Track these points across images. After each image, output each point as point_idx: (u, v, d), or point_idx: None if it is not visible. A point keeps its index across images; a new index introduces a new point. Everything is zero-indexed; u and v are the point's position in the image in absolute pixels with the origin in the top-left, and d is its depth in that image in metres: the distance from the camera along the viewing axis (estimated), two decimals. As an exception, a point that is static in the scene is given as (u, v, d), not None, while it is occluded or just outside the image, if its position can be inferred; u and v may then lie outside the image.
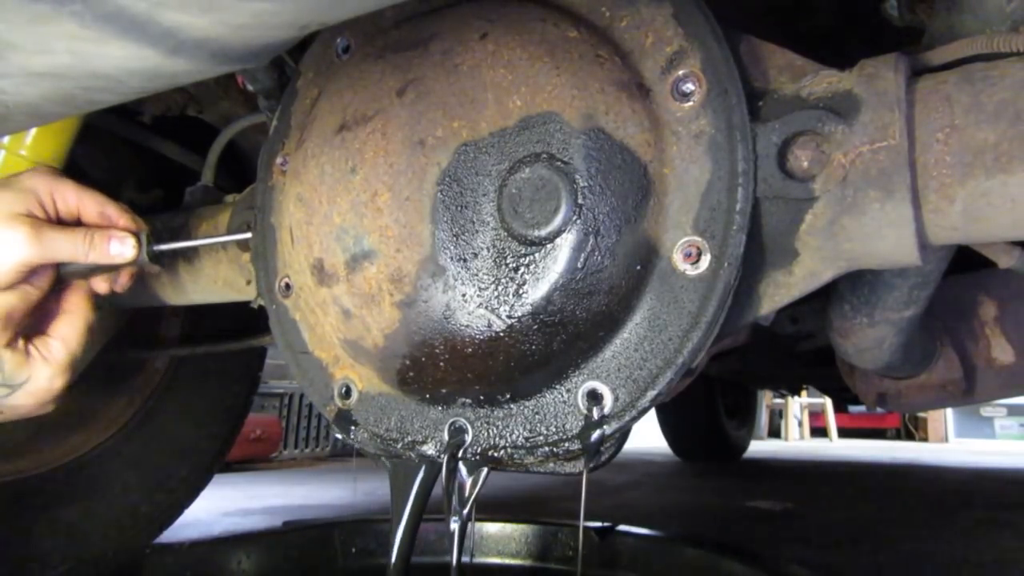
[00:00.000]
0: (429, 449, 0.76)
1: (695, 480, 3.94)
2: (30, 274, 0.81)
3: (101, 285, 0.92)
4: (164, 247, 0.93)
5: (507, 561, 1.30)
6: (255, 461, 4.55)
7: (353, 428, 0.82)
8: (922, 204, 0.61)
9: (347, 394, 0.83)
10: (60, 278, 0.87)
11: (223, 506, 2.63)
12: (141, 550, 1.11)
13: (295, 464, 4.89)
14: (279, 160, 0.90)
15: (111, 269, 0.90)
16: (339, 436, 0.84)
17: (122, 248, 0.87)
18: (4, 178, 0.85)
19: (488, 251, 0.68)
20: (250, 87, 0.99)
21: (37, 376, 0.84)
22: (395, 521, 0.78)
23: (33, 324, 0.86)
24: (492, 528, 1.31)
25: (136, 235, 0.88)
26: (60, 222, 0.85)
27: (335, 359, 0.84)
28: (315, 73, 0.90)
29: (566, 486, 3.04)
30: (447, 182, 0.71)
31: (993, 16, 0.68)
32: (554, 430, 0.70)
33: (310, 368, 0.86)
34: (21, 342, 0.84)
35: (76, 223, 0.87)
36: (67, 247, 0.82)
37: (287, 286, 0.87)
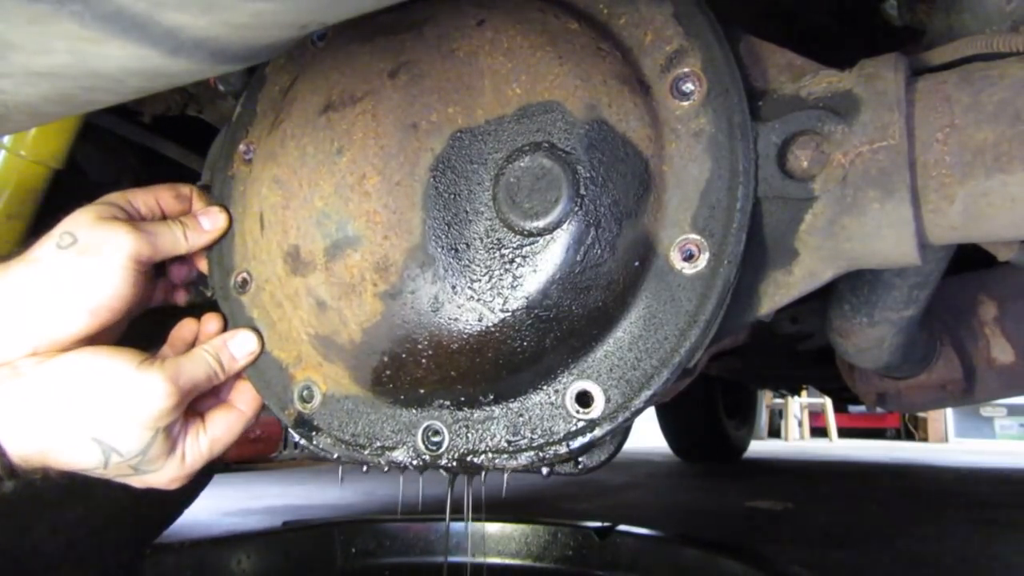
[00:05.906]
0: (400, 455, 0.72)
1: (695, 480, 3.94)
2: (144, 279, 0.74)
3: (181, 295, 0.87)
4: None
5: (507, 561, 1.30)
6: (255, 461, 4.55)
7: (315, 434, 0.77)
8: (922, 204, 0.61)
9: (308, 397, 0.78)
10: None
11: (223, 506, 2.63)
12: (141, 550, 1.11)
13: (295, 464, 4.89)
14: (241, 148, 0.86)
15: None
16: (300, 442, 0.78)
17: (214, 220, 0.81)
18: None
19: (481, 241, 0.66)
20: (222, 87, 0.95)
21: (165, 471, 0.75)
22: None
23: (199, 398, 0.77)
24: (492, 528, 1.31)
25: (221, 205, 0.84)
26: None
27: (297, 359, 0.79)
28: (286, 59, 0.86)
29: (567, 486, 3.04)
30: (440, 169, 0.68)
31: (993, 16, 0.68)
32: (540, 433, 0.66)
33: (267, 369, 0.80)
34: (178, 427, 0.75)
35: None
36: (167, 235, 0.77)
37: (244, 282, 0.82)
